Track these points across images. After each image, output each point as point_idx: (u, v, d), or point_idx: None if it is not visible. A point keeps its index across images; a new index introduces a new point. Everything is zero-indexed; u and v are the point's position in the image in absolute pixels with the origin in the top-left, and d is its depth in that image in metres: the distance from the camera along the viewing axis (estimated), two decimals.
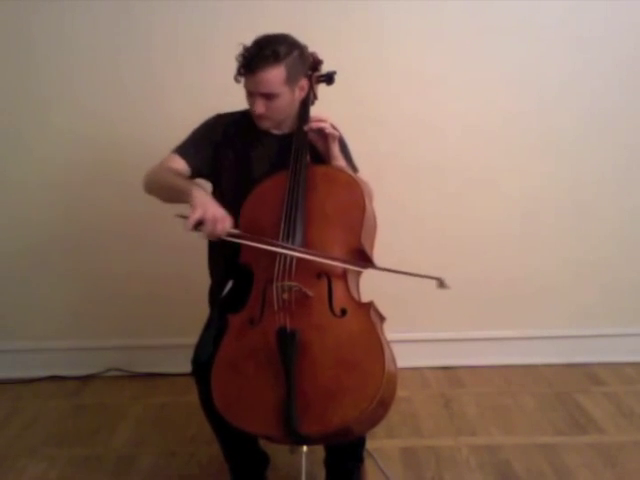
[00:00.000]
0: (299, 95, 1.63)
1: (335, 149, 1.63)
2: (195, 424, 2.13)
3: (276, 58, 1.50)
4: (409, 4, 2.30)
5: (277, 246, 1.46)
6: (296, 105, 1.66)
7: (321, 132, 1.61)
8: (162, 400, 2.40)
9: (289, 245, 1.46)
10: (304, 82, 1.63)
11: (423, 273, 1.44)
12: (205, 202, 1.45)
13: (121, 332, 2.63)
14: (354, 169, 1.74)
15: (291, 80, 1.56)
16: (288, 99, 1.59)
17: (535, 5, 2.31)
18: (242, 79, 1.56)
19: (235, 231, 1.49)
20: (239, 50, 1.53)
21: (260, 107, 1.56)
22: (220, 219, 1.44)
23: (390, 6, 2.30)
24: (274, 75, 1.51)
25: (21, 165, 2.48)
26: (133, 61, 2.37)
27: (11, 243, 2.55)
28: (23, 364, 2.63)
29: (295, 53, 1.55)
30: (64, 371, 2.62)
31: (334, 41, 2.27)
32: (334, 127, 1.65)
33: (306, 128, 1.60)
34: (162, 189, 1.62)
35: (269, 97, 1.55)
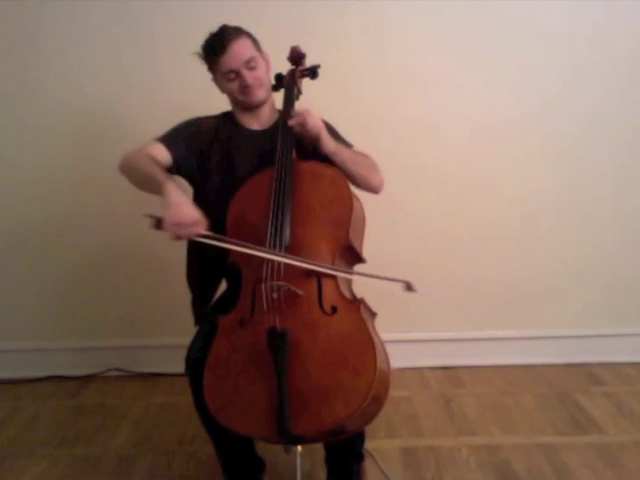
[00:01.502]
0: (268, 67, 1.69)
1: (323, 137, 1.60)
2: (195, 424, 2.10)
3: (237, 32, 1.62)
4: (409, 4, 2.30)
5: (249, 247, 1.43)
6: (270, 78, 1.71)
7: (304, 127, 1.58)
8: (162, 400, 2.40)
9: (268, 249, 1.44)
10: (266, 55, 1.69)
11: (394, 277, 1.37)
12: (179, 202, 1.40)
13: (121, 332, 2.63)
14: (348, 145, 1.72)
15: (257, 47, 1.66)
16: (264, 65, 1.66)
17: (535, 5, 2.31)
18: (216, 68, 1.63)
19: (207, 233, 1.42)
20: (198, 51, 1.65)
21: (249, 77, 1.61)
22: (192, 223, 1.38)
23: (390, 6, 2.30)
24: (245, 42, 1.61)
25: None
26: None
27: (10, 242, 2.55)
28: (23, 364, 2.63)
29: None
30: (64, 371, 2.62)
31: (333, 41, 2.28)
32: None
33: (291, 123, 1.58)
34: (137, 174, 1.54)
35: (251, 66, 1.61)
